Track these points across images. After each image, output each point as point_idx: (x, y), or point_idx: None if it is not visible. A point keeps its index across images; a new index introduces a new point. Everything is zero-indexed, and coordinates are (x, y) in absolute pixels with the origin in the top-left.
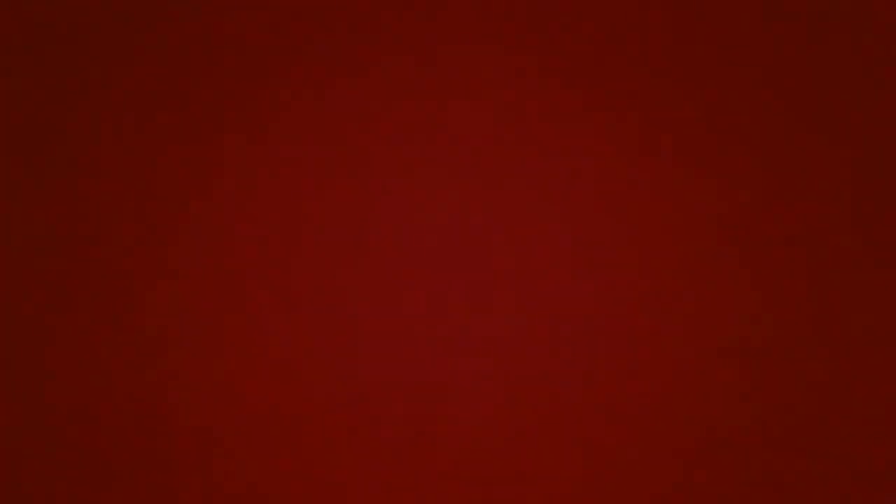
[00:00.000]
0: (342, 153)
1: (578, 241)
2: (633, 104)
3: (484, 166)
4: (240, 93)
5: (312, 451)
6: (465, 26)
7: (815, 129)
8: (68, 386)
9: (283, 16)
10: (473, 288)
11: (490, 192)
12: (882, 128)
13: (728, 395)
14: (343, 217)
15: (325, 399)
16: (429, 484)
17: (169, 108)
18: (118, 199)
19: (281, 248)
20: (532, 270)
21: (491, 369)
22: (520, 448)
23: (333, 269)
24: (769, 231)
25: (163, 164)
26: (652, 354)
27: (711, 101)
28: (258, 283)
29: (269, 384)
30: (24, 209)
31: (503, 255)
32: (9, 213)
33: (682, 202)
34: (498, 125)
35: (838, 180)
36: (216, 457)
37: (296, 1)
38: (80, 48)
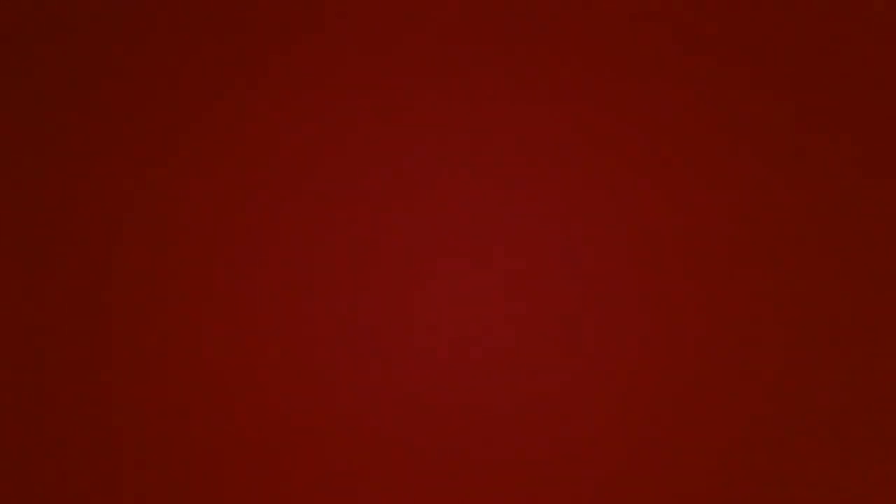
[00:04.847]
0: (340, 156)
1: (580, 243)
2: (633, 108)
3: (486, 171)
4: (239, 94)
5: (312, 454)
6: (466, 27)
7: (813, 130)
8: (67, 386)
9: (289, 17)
10: (475, 292)
11: (492, 196)
12: (883, 128)
13: (730, 394)
14: (342, 220)
15: (323, 400)
16: (429, 485)
17: (169, 108)
18: (116, 200)
19: (278, 250)
20: (534, 273)
21: (491, 371)
22: (523, 451)
23: (332, 271)
24: (771, 232)
25: (163, 165)
26: (654, 355)
27: (708, 104)
28: (257, 285)
29: (268, 387)
30: (23, 209)
31: (506, 258)
32: (8, 213)
33: (685, 205)
34: (500, 129)
35: (838, 181)
36: (216, 457)
37: (301, 4)
38: (78, 48)
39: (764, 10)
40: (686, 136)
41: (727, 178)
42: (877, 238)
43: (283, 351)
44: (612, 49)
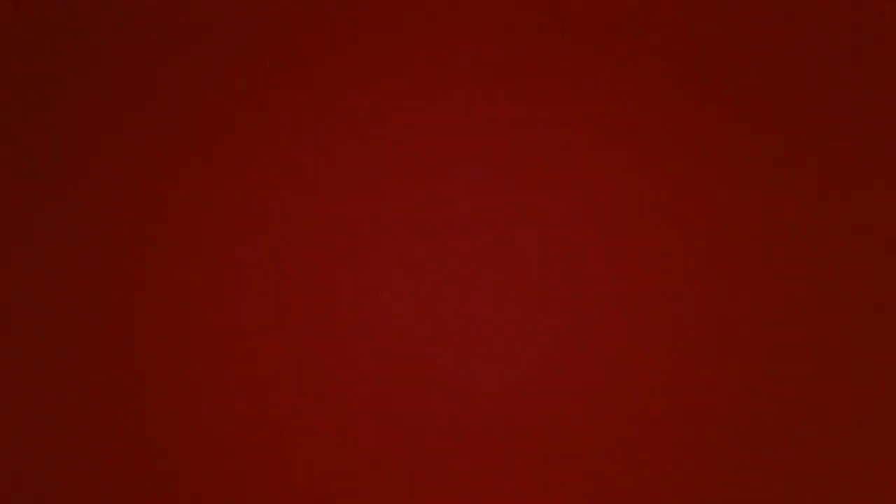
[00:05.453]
0: (338, 155)
1: (580, 242)
2: (634, 107)
3: (484, 167)
4: (238, 95)
5: (307, 452)
6: (466, 26)
7: (817, 130)
8: (64, 387)
9: (286, 17)
10: (478, 294)
11: (493, 197)
12: (882, 128)
13: (730, 394)
14: (338, 218)
15: (320, 399)
16: (425, 483)
17: (167, 108)
18: (114, 200)
19: (275, 249)
20: (534, 271)
21: (493, 373)
22: (518, 450)
23: (328, 269)
24: (773, 231)
25: (160, 165)
26: (654, 354)
27: (709, 104)
28: (254, 285)
29: (263, 387)
30: (23, 210)
31: (507, 259)
32: (7, 213)
33: (685, 205)
34: (498, 127)
35: (839, 180)
36: (213, 457)
37: (299, 4)
38: (82, 50)
39: (767, 10)
40: (690, 136)
41: (732, 177)
42: (877, 237)
43: (284, 351)
44: (618, 47)
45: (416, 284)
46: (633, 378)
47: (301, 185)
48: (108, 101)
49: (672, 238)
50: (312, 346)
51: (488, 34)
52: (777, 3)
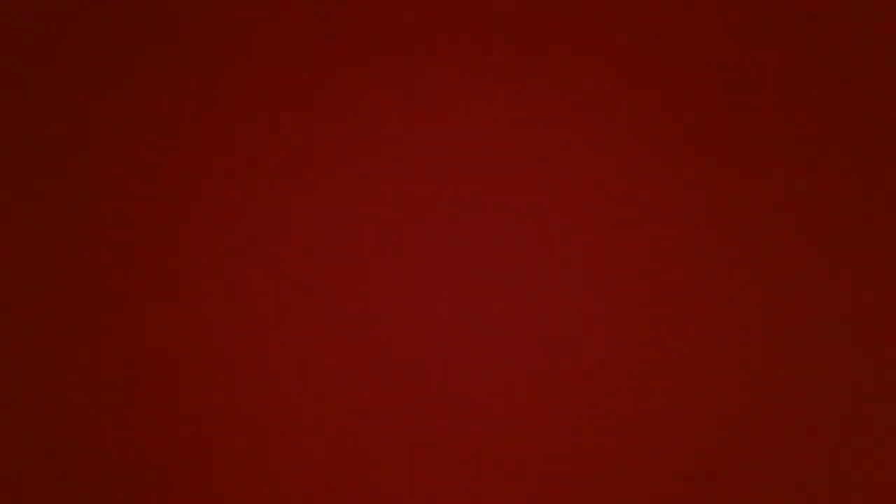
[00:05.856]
0: (342, 156)
1: (580, 243)
2: (628, 107)
3: (485, 169)
4: (240, 95)
5: (306, 451)
6: (464, 26)
7: (812, 130)
8: (68, 387)
9: (285, 15)
10: (476, 291)
11: (496, 196)
12: (882, 128)
13: (731, 395)
14: (343, 219)
15: (325, 401)
16: (430, 485)
17: (168, 109)
18: (117, 201)
19: (279, 249)
20: (534, 272)
21: (493, 373)
22: (521, 452)
23: (329, 269)
24: (770, 232)
25: (162, 166)
26: (653, 355)
27: (707, 103)
28: (258, 285)
29: (268, 388)
30: (25, 211)
31: (505, 257)
32: (9, 214)
33: (682, 204)
34: (497, 127)
35: (839, 180)
36: (219, 459)
37: (297, 3)
38: (82, 51)
39: (762, 14)
40: (690, 136)
41: (733, 177)
42: (873, 239)
43: (290, 353)
44: (618, 47)
45: (416, 284)
46: (633, 378)
47: (301, 185)
48: (107, 102)
49: (672, 238)
50: (311, 346)
51: (489, 34)
52: (779, 3)
